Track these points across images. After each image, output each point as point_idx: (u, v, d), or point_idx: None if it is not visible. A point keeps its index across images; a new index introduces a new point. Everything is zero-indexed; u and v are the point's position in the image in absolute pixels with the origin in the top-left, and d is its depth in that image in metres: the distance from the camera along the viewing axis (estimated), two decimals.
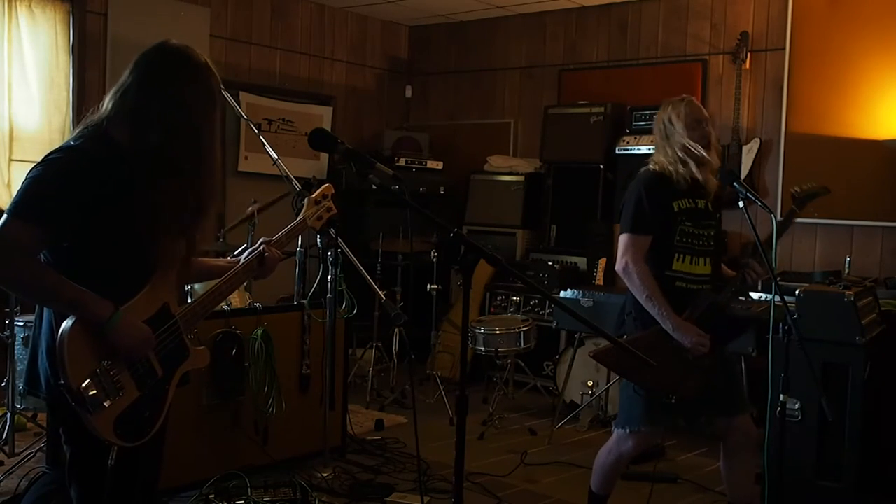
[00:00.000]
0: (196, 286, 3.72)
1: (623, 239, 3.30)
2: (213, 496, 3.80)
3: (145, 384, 2.20)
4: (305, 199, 2.68)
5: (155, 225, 2.18)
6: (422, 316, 6.28)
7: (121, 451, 2.16)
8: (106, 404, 2.10)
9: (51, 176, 2.11)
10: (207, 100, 2.26)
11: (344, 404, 4.80)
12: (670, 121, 3.29)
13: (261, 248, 2.51)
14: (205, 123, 2.25)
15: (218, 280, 2.44)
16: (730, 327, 3.36)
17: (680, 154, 3.26)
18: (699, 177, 3.27)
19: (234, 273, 2.46)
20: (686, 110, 3.28)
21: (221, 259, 2.59)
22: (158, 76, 2.20)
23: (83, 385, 2.06)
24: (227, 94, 4.30)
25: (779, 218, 3.25)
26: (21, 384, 4.36)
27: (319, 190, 2.70)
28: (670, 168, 3.27)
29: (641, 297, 3.24)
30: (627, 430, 3.37)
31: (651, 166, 3.36)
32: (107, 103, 2.23)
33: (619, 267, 3.31)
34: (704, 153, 3.26)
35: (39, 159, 2.17)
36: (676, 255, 3.29)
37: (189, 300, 2.44)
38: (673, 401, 3.23)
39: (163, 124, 2.17)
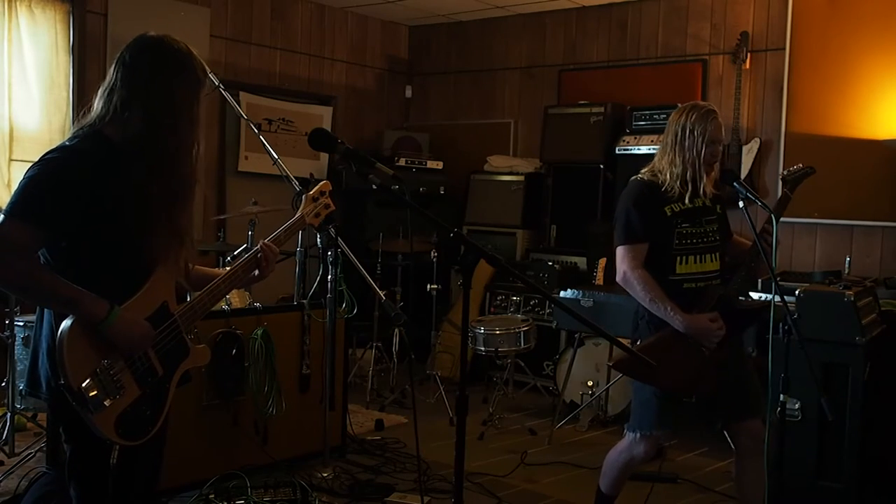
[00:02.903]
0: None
1: (618, 251, 3.30)
2: (213, 496, 3.80)
3: (146, 383, 2.21)
4: (303, 197, 2.67)
5: (147, 216, 2.18)
6: (422, 316, 6.28)
7: (121, 449, 2.16)
8: (107, 403, 2.10)
9: (47, 176, 2.11)
10: (191, 85, 2.27)
11: (344, 404, 4.80)
12: (691, 132, 3.21)
13: (258, 246, 2.51)
14: (186, 110, 2.25)
15: (217, 278, 2.44)
16: (740, 319, 3.33)
17: (687, 166, 3.23)
18: (696, 187, 3.26)
19: (233, 271, 2.46)
20: (710, 128, 3.21)
21: (221, 269, 2.60)
22: (140, 70, 2.21)
23: (83, 385, 2.06)
24: (227, 94, 4.33)
25: (774, 208, 3.26)
26: (22, 385, 4.38)
27: (317, 187, 2.69)
28: (667, 175, 3.25)
29: (646, 302, 3.22)
30: (639, 434, 3.34)
31: (640, 176, 3.34)
32: (96, 104, 2.24)
33: (618, 278, 3.30)
34: (706, 175, 3.25)
35: (37, 159, 2.17)
36: (679, 259, 3.27)
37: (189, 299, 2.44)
38: (693, 400, 3.22)
39: (147, 116, 2.18)
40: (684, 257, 3.28)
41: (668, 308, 3.18)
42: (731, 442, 3.46)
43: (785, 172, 3.48)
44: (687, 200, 3.26)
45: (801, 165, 3.51)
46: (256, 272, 2.52)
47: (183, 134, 2.24)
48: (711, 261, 3.32)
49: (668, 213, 3.25)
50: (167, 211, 2.23)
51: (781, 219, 3.25)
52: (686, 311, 3.20)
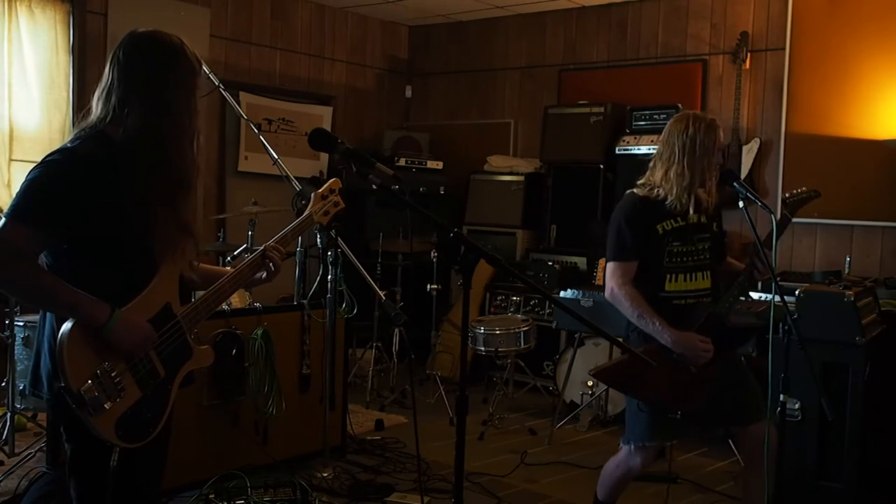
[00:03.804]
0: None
1: (608, 267, 3.29)
2: (213, 496, 3.81)
3: (147, 385, 2.20)
4: (312, 195, 2.66)
5: (149, 210, 2.17)
6: (422, 316, 6.28)
7: (122, 450, 2.15)
8: (107, 406, 2.09)
9: (48, 178, 2.11)
10: (186, 76, 2.26)
11: (344, 404, 4.80)
12: (702, 143, 3.18)
13: (262, 248, 2.51)
14: (184, 101, 2.25)
15: (221, 279, 2.43)
16: (730, 339, 3.30)
17: (696, 177, 3.19)
18: (696, 197, 3.23)
19: (238, 272, 2.45)
20: (714, 136, 3.19)
21: (226, 268, 2.59)
22: (135, 67, 2.21)
23: (83, 387, 2.05)
24: (227, 94, 4.33)
25: (777, 218, 3.25)
26: (22, 384, 4.39)
27: (326, 185, 2.68)
28: (673, 187, 3.19)
29: (633, 318, 3.21)
30: (633, 446, 3.33)
31: (635, 190, 3.30)
32: (95, 106, 2.23)
33: (607, 294, 3.30)
34: (713, 181, 3.23)
35: (39, 160, 2.17)
36: (668, 276, 3.25)
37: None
38: (679, 416, 3.21)
39: (146, 112, 2.18)
40: (674, 275, 3.26)
41: (657, 323, 3.16)
42: (734, 447, 3.44)
43: (787, 195, 3.44)
44: (691, 212, 3.22)
45: (804, 189, 3.46)
46: (264, 274, 2.51)
47: (181, 124, 2.24)
48: (702, 279, 3.30)
49: (660, 231, 3.22)
50: (169, 202, 2.22)
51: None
52: (674, 327, 3.18)
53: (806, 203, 3.45)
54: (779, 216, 3.35)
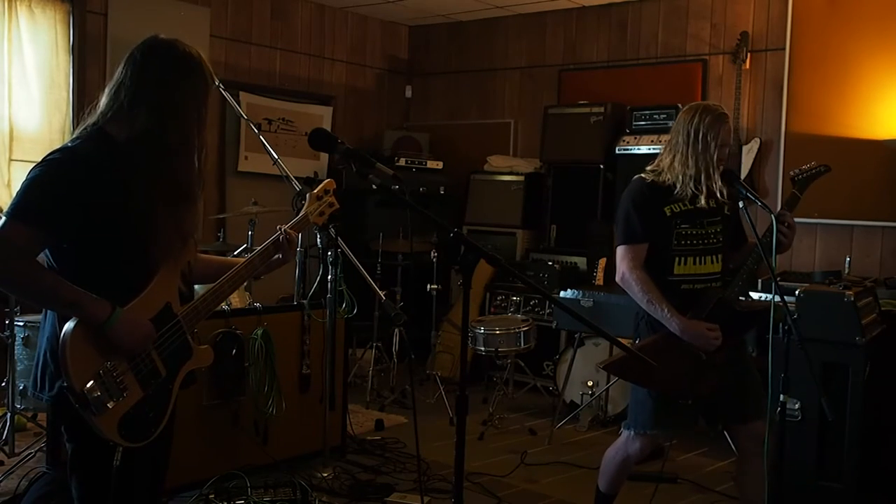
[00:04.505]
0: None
1: (618, 251, 3.29)
2: (213, 496, 3.81)
3: (149, 384, 2.20)
4: (307, 196, 2.67)
5: (150, 216, 2.17)
6: (422, 316, 6.28)
7: (125, 450, 2.15)
8: (109, 405, 2.09)
9: (49, 177, 2.11)
10: (199, 89, 2.27)
11: (344, 404, 4.81)
12: (705, 136, 3.17)
13: (281, 233, 2.51)
14: (194, 111, 2.25)
15: (220, 280, 2.42)
16: (740, 323, 3.31)
17: (701, 169, 3.19)
18: (711, 189, 3.22)
19: (237, 271, 2.45)
20: (718, 130, 3.18)
21: (231, 258, 2.59)
22: (150, 69, 2.21)
23: (86, 387, 2.05)
24: (227, 94, 4.33)
25: (781, 208, 3.24)
26: (22, 384, 4.38)
27: (321, 185, 2.69)
28: (679, 176, 3.20)
29: (643, 303, 3.21)
30: (633, 432, 3.35)
31: (643, 175, 3.31)
32: (102, 101, 2.24)
33: (617, 278, 3.29)
34: (716, 175, 3.22)
35: (39, 160, 2.17)
36: (677, 259, 3.25)
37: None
38: (690, 402, 3.22)
39: (154, 113, 2.18)
40: (683, 258, 3.25)
41: (666, 310, 3.17)
42: (731, 443, 3.45)
43: (795, 171, 3.40)
44: (702, 201, 3.21)
45: (813, 164, 3.42)
46: (279, 256, 2.52)
47: (188, 135, 2.24)
48: (712, 262, 3.29)
49: (668, 214, 3.23)
50: (171, 211, 2.22)
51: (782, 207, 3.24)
52: (682, 312, 3.18)
53: (816, 179, 3.39)
54: (788, 196, 3.34)
